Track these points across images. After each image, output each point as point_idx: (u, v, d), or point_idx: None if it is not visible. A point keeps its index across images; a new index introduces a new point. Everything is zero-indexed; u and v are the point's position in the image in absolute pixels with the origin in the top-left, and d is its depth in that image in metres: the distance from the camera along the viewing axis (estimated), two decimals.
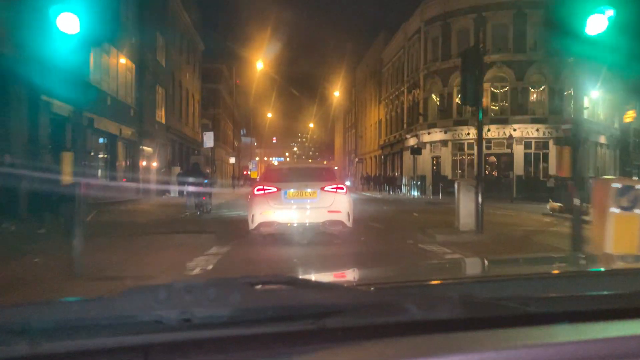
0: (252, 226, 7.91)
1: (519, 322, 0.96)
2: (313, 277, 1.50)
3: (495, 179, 28.91)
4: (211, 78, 49.45)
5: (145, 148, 22.66)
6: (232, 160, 34.56)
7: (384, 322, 0.93)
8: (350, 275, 1.79)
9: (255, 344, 0.85)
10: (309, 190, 7.99)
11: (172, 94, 29.32)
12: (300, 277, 1.26)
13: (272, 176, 8.61)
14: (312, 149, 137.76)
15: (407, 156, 36.99)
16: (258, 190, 8.06)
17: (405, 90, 37.47)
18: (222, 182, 46.43)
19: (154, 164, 24.34)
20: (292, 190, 7.95)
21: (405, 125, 37.58)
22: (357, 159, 48.27)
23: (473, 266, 2.09)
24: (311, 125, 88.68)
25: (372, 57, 50.53)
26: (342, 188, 8.12)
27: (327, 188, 7.99)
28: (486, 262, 2.17)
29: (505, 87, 29.83)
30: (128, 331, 0.84)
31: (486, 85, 29.72)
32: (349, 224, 8.04)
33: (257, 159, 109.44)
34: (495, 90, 30.06)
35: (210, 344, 0.84)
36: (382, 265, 4.28)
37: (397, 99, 40.04)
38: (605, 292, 1.21)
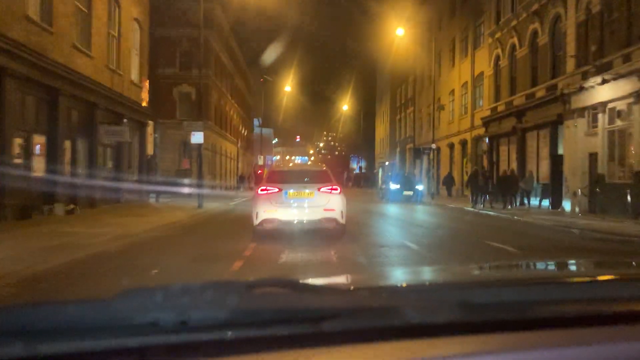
0: (256, 222, 8.95)
1: (516, 327, 0.96)
2: (311, 280, 1.40)
3: None
4: (194, 19, 30.40)
5: None
6: (198, 136, 15.34)
7: (381, 326, 0.93)
8: (348, 278, 1.82)
9: (252, 347, 0.86)
10: (307, 190, 9.07)
11: None
12: (298, 280, 1.15)
13: (275, 177, 9.68)
14: (339, 147, 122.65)
15: (579, 129, 17.19)
16: (262, 190, 9.14)
17: None
18: (215, 183, 33.97)
19: None
20: (292, 191, 9.05)
21: (564, 68, 17.82)
22: (434, 146, 28.57)
23: (471, 270, 2.04)
24: (345, 107, 68.89)
25: None
26: (336, 189, 9.18)
27: (323, 189, 9.09)
28: (484, 266, 2.21)
29: None
30: (124, 333, 0.84)
31: None
32: (342, 221, 9.10)
33: (278, 157, 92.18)
34: None
35: (206, 347, 0.85)
36: (380, 269, 3.99)
37: (540, 18, 20.19)
38: (602, 298, 1.15)
